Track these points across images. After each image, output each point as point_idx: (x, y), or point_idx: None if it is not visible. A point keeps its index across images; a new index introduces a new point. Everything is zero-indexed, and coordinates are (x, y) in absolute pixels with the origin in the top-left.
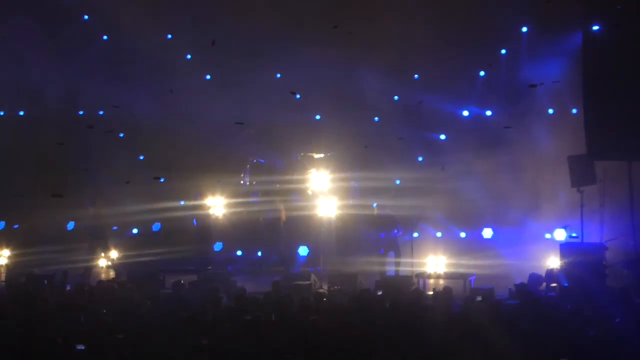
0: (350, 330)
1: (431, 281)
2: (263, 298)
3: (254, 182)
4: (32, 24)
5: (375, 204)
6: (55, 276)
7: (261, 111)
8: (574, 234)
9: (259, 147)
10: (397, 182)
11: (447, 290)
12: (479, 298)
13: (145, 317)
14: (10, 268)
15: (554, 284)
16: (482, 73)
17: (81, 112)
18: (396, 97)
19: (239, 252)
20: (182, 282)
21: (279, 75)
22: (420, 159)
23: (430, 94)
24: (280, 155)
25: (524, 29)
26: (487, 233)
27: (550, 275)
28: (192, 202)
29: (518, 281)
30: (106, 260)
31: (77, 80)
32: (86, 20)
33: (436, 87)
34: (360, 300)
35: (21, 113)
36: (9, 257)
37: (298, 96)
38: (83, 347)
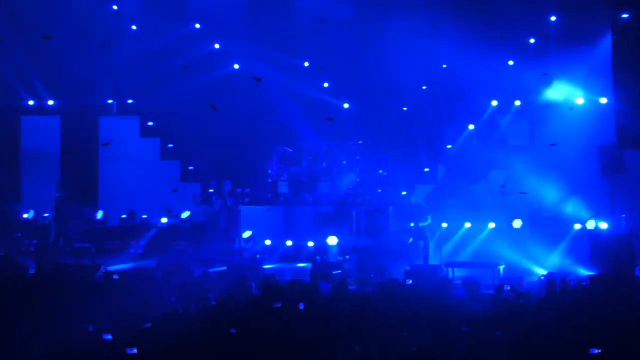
0: (376, 319)
1: (460, 270)
2: (289, 286)
3: (281, 171)
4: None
5: (404, 192)
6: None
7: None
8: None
9: (287, 135)
10: (426, 169)
11: (474, 279)
12: (508, 287)
13: (173, 306)
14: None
15: (583, 273)
16: (510, 62)
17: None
18: (424, 87)
19: (268, 241)
20: (210, 271)
21: (307, 64)
22: (448, 146)
23: (458, 83)
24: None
25: (553, 18)
26: (517, 223)
27: (580, 264)
28: (220, 190)
29: (547, 270)
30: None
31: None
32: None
33: (464, 77)
34: (388, 289)
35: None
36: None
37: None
38: (111, 337)
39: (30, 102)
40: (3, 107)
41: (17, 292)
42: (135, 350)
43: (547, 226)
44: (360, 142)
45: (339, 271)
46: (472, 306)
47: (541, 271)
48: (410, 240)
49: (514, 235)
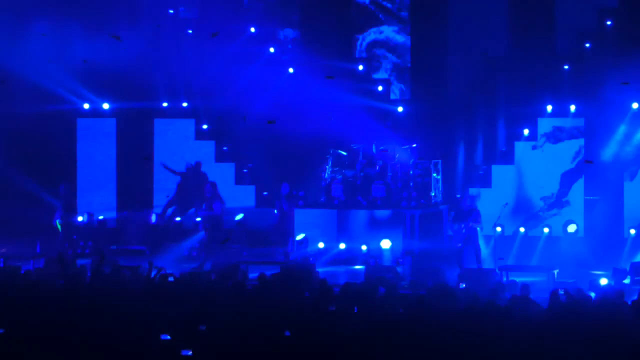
0: (428, 322)
1: (514, 274)
2: (343, 289)
3: (335, 174)
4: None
5: (458, 195)
6: (139, 267)
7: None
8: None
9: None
10: (481, 172)
11: (527, 284)
12: (562, 291)
13: (227, 308)
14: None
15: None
16: (566, 67)
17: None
18: None
19: (321, 244)
20: (264, 273)
21: (361, 68)
22: (503, 148)
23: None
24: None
25: (608, 23)
26: (571, 228)
27: (636, 268)
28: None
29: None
30: None
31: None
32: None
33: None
34: (441, 293)
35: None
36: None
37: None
38: (169, 337)
39: (86, 106)
40: (60, 110)
41: (73, 293)
42: (190, 352)
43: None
44: (414, 145)
45: (392, 275)
46: (525, 310)
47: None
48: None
49: (569, 239)
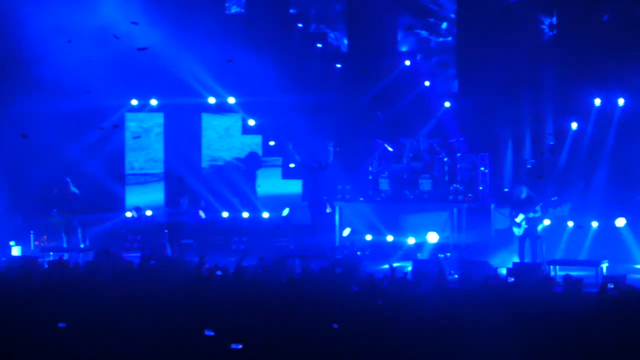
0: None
1: (563, 268)
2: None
3: (382, 168)
4: None
5: (506, 189)
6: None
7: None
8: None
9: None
10: (529, 165)
11: (576, 278)
12: (612, 285)
13: (272, 303)
14: None
15: None
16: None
17: None
18: None
19: (369, 237)
20: (311, 268)
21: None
22: (551, 143)
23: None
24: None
25: None
26: (620, 222)
27: None
28: None
29: None
30: None
31: None
32: None
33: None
34: (488, 288)
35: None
36: None
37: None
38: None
39: (134, 102)
40: (109, 106)
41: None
42: (240, 346)
43: None
44: (462, 138)
45: (438, 269)
46: (575, 305)
47: None
48: (521, 230)
49: (618, 233)
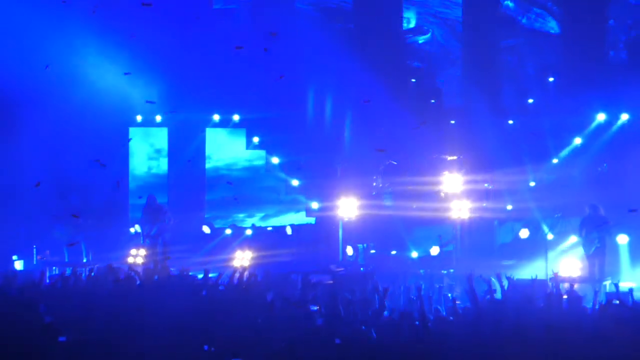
0: (477, 335)
1: (566, 285)
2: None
3: (387, 184)
4: None
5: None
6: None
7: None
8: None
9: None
10: (532, 184)
11: (578, 294)
12: (617, 301)
13: (278, 317)
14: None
15: None
16: None
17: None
18: (530, 100)
19: (372, 252)
20: (314, 282)
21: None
22: (556, 159)
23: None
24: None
25: None
26: (622, 239)
27: None
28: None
29: None
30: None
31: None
32: None
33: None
34: (488, 307)
35: None
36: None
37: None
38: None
39: (139, 118)
40: (114, 122)
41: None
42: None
43: None
44: (461, 156)
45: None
46: (577, 321)
47: None
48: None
49: (621, 250)
